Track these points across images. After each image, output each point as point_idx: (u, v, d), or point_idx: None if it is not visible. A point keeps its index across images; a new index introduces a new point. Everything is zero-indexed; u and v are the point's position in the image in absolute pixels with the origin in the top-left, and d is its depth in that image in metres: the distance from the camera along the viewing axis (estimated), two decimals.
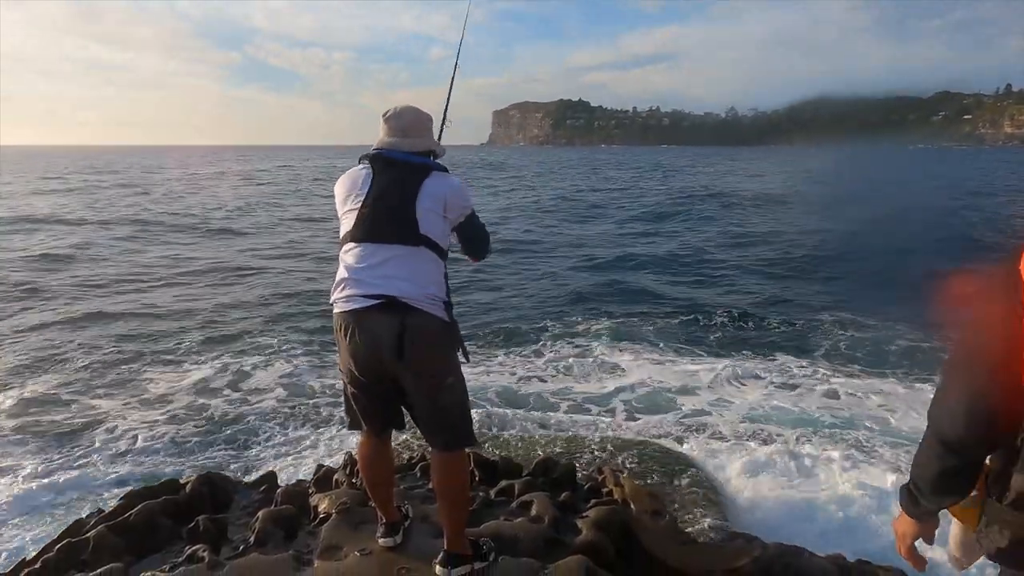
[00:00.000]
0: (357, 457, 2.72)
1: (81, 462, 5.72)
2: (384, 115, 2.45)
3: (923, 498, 1.32)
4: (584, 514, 3.03)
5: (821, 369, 8.20)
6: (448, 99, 2.91)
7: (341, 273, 2.32)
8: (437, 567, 2.45)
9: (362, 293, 2.23)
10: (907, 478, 1.37)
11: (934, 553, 1.59)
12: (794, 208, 27.26)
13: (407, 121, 2.43)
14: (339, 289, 2.30)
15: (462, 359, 2.43)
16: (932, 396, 1.27)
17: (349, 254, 2.31)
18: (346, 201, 2.37)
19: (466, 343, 2.45)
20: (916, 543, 1.42)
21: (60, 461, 5.73)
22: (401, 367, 2.25)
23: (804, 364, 8.40)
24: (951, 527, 1.41)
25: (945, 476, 1.25)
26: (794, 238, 19.22)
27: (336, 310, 2.31)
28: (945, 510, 1.34)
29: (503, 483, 3.44)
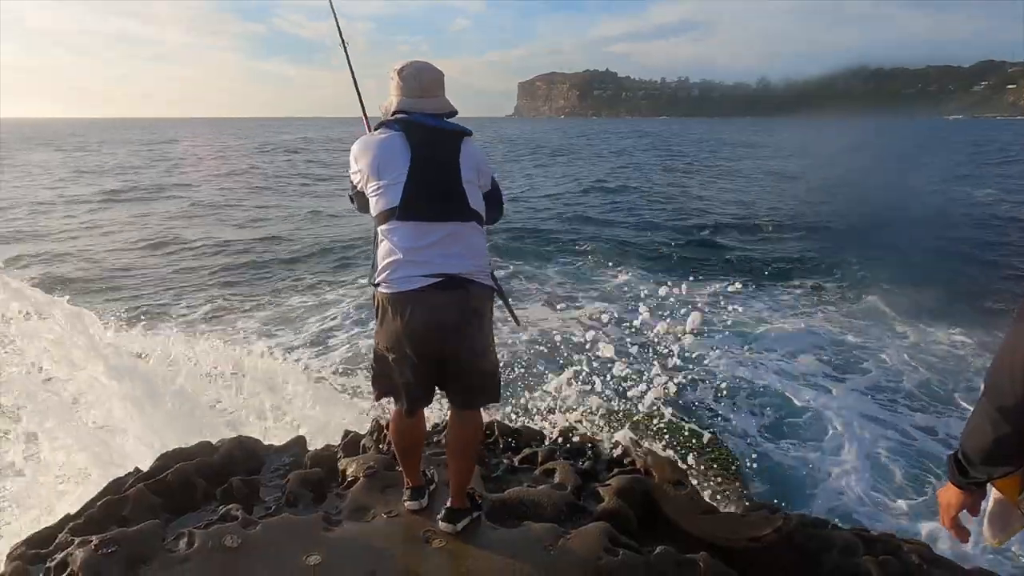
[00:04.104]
0: (390, 428, 2.75)
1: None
2: (400, 72, 2.29)
3: (973, 468, 1.29)
4: (606, 482, 3.06)
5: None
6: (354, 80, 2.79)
7: (391, 253, 2.22)
8: (441, 523, 2.53)
9: (420, 273, 2.19)
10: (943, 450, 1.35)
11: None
12: None
13: (428, 79, 2.30)
14: (388, 271, 2.23)
15: (513, 323, 2.54)
16: (991, 364, 1.23)
17: (397, 233, 2.22)
18: (380, 173, 2.24)
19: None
20: (961, 515, 1.39)
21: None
22: (461, 340, 2.26)
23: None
24: (988, 499, 1.38)
25: (998, 445, 1.22)
26: None
27: (387, 291, 2.23)
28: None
29: (526, 451, 3.49)
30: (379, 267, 2.27)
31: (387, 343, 2.32)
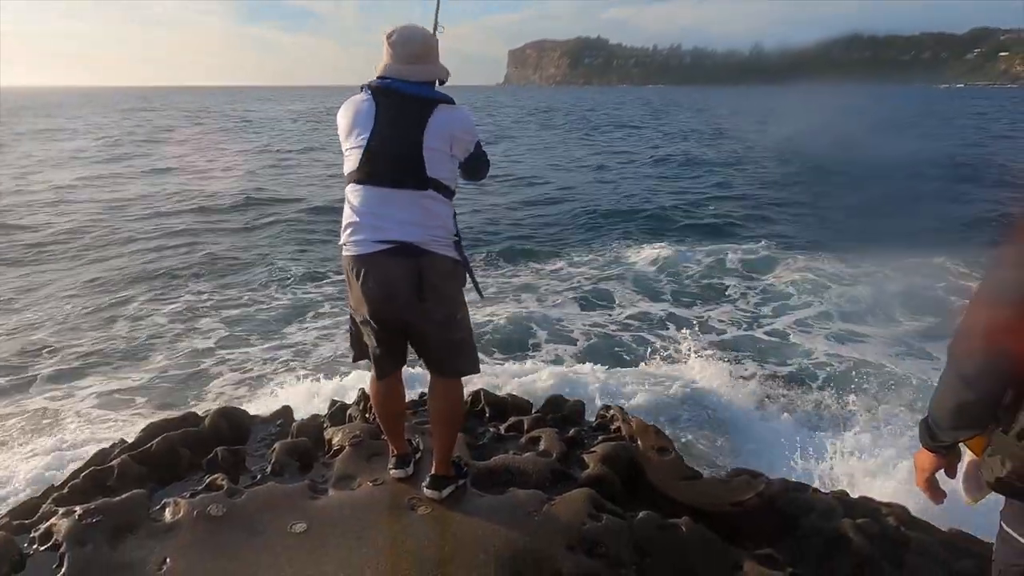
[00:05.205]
0: (369, 394, 2.77)
1: (102, 394, 5.90)
2: (388, 37, 2.29)
3: (940, 431, 1.34)
4: (591, 449, 3.09)
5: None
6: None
7: (349, 215, 2.29)
8: (426, 490, 2.56)
9: (373, 238, 2.21)
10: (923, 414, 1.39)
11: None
12: None
13: (416, 48, 2.28)
14: (348, 232, 2.28)
15: (477, 296, 2.48)
16: (954, 331, 1.27)
17: (355, 196, 2.27)
18: (349, 136, 2.29)
19: (481, 277, 2.46)
20: (937, 476, 1.43)
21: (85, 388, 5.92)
22: (416, 309, 2.27)
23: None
24: (964, 458, 1.42)
25: (961, 410, 1.27)
26: None
27: (346, 253, 2.29)
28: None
29: (512, 419, 3.51)
30: (342, 228, 2.31)
31: (353, 305, 2.38)
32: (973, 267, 8.98)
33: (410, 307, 2.27)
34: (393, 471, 2.72)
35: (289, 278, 9.76)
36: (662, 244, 11.74)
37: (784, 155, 25.04)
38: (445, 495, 2.56)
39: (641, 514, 2.52)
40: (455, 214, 2.37)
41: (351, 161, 2.27)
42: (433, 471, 2.60)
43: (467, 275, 2.42)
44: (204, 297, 8.81)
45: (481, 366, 2.59)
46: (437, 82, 2.36)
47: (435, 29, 2.55)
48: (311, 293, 9.05)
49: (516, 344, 7.09)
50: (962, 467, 1.43)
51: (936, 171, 19.97)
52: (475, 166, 2.45)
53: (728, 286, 9.38)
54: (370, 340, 2.43)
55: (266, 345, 7.13)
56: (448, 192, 2.30)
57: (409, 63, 2.28)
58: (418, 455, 2.86)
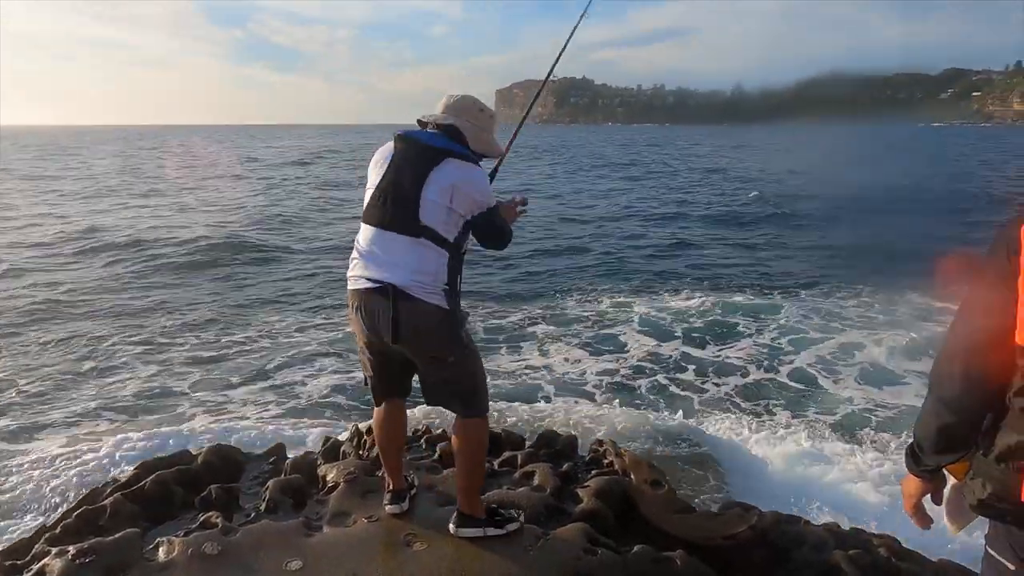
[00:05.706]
0: (373, 422, 2.79)
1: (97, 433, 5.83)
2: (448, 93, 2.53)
3: (924, 456, 1.39)
4: (585, 484, 3.11)
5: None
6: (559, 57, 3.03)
7: (354, 251, 2.41)
8: (451, 525, 2.57)
9: (365, 275, 2.32)
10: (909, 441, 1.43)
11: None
12: None
13: (453, 102, 2.47)
14: (351, 267, 2.41)
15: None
16: (934, 359, 1.34)
17: (360, 234, 2.41)
18: (369, 176, 2.44)
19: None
20: (923, 502, 1.47)
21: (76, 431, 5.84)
22: (399, 347, 2.36)
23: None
24: (947, 485, 1.45)
25: (943, 433, 1.32)
26: None
27: (348, 286, 2.42)
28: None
29: (506, 454, 3.52)
30: (349, 262, 2.44)
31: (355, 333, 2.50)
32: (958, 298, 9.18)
33: (397, 346, 2.35)
34: (388, 507, 2.72)
35: (278, 319, 9.67)
36: (660, 285, 11.84)
37: (772, 194, 25.57)
38: (462, 535, 2.53)
39: (636, 548, 2.54)
40: (451, 264, 2.33)
41: (364, 201, 2.41)
42: (457, 507, 2.60)
43: (456, 324, 2.40)
44: (190, 339, 8.71)
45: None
46: (474, 151, 2.43)
47: (549, 75, 2.92)
48: (303, 335, 8.96)
49: (523, 395, 6.80)
50: (946, 495, 1.48)
51: (924, 204, 20.54)
52: (488, 231, 2.44)
53: (737, 324, 9.38)
54: (366, 368, 2.56)
55: (253, 386, 7.06)
56: (443, 242, 2.30)
57: (442, 111, 2.46)
58: (413, 491, 2.87)
